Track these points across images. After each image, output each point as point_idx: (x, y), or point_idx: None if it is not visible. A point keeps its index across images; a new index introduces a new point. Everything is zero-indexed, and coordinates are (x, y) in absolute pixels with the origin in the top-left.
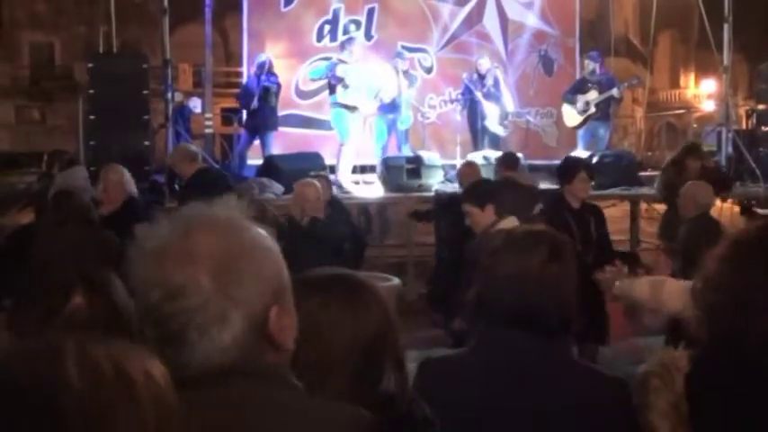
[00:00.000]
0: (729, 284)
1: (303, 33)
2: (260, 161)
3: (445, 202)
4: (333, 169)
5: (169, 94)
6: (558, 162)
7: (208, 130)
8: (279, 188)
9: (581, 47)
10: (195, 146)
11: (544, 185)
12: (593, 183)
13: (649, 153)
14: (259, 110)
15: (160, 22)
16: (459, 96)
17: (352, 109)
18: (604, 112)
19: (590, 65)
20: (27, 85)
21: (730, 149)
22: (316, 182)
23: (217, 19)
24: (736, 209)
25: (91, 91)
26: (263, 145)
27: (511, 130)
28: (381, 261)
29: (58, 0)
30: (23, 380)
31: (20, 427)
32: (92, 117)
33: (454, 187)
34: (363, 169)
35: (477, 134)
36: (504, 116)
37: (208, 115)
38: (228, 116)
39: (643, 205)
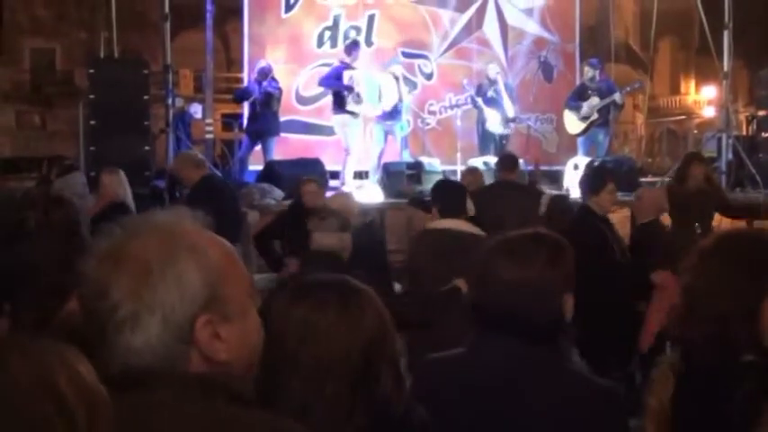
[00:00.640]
0: (695, 291)
1: (303, 39)
2: (261, 167)
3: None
4: (333, 175)
5: (170, 100)
6: (558, 168)
7: (208, 136)
8: (279, 194)
9: (581, 53)
10: (198, 153)
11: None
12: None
13: (650, 159)
14: (261, 115)
15: (161, 27)
16: (469, 99)
17: (354, 115)
18: (605, 118)
19: (590, 71)
20: (28, 91)
21: (730, 156)
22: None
23: (218, 25)
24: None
25: (91, 96)
26: (265, 150)
27: (512, 133)
28: None
29: (60, 5)
30: None
31: None
32: (92, 122)
33: None
34: (361, 175)
35: (483, 139)
36: (505, 121)
37: (208, 121)
38: (229, 122)
39: None
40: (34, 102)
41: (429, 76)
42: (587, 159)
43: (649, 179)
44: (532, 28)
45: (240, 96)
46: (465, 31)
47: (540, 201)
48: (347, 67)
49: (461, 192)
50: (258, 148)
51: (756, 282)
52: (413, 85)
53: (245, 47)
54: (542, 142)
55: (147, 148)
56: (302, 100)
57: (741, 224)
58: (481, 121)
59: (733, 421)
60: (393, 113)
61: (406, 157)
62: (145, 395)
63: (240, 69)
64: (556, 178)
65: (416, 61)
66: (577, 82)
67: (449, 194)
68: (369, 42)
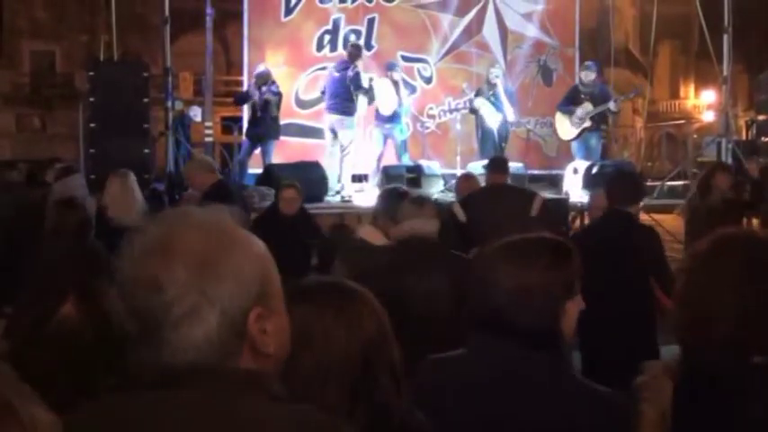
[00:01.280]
0: (691, 297)
1: (303, 43)
2: (260, 170)
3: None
4: (338, 178)
5: (169, 103)
6: (558, 172)
7: (208, 139)
8: None
9: (581, 57)
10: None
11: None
12: None
13: (649, 163)
14: (260, 120)
15: (161, 30)
16: (467, 103)
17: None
18: (598, 124)
19: (587, 75)
20: (28, 93)
21: (730, 160)
22: None
23: (217, 28)
24: None
25: (91, 99)
26: (264, 154)
27: (511, 136)
28: None
29: (60, 8)
30: None
31: None
32: (92, 125)
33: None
34: (360, 178)
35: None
36: (504, 125)
37: (208, 124)
38: (229, 125)
39: (643, 215)
40: (34, 104)
41: (428, 80)
42: (587, 163)
43: (649, 183)
44: (532, 32)
45: (239, 100)
46: (464, 35)
47: (532, 203)
48: (355, 68)
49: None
50: (258, 151)
51: (757, 281)
52: (412, 89)
53: (245, 50)
54: (542, 146)
55: (146, 150)
56: (302, 103)
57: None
58: (480, 125)
59: (757, 425)
60: (392, 117)
61: (406, 160)
62: (187, 392)
63: (240, 73)
64: (555, 182)
65: (416, 65)
66: None
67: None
68: (368, 46)
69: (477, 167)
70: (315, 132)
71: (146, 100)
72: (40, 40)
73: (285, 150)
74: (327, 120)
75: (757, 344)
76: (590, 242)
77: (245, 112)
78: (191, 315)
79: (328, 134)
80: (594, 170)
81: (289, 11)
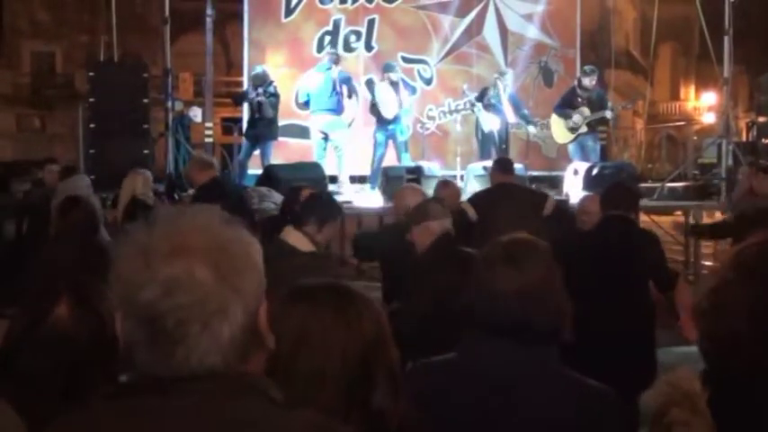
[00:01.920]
0: (736, 305)
1: (303, 43)
2: (260, 171)
3: None
4: (331, 179)
5: (169, 104)
6: (558, 173)
7: (208, 140)
8: (278, 197)
9: (582, 58)
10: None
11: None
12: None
13: (650, 165)
14: (257, 120)
15: (161, 31)
16: (468, 104)
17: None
18: (594, 128)
19: (590, 80)
20: (28, 94)
21: (731, 162)
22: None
23: (218, 29)
24: None
25: (91, 99)
26: (263, 155)
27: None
28: (380, 272)
29: (60, 9)
30: None
31: None
32: (92, 125)
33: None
34: (363, 179)
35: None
36: (504, 127)
37: (208, 124)
38: (229, 126)
39: (643, 217)
40: (34, 105)
41: (428, 81)
42: (587, 165)
43: (649, 184)
44: (532, 33)
45: (237, 100)
46: (465, 36)
47: (545, 203)
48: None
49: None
50: (257, 152)
51: None
52: (412, 89)
53: (245, 51)
54: (542, 147)
55: (146, 151)
56: (301, 104)
57: None
58: (480, 127)
59: None
60: (394, 118)
61: (406, 161)
62: (202, 399)
63: (240, 73)
64: (556, 183)
65: (416, 66)
66: None
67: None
68: (369, 47)
69: (478, 169)
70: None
71: (145, 100)
72: (40, 40)
73: (285, 151)
74: (316, 122)
75: None
76: (590, 245)
77: (245, 112)
78: (220, 313)
79: (318, 136)
80: (595, 172)
81: (289, 11)
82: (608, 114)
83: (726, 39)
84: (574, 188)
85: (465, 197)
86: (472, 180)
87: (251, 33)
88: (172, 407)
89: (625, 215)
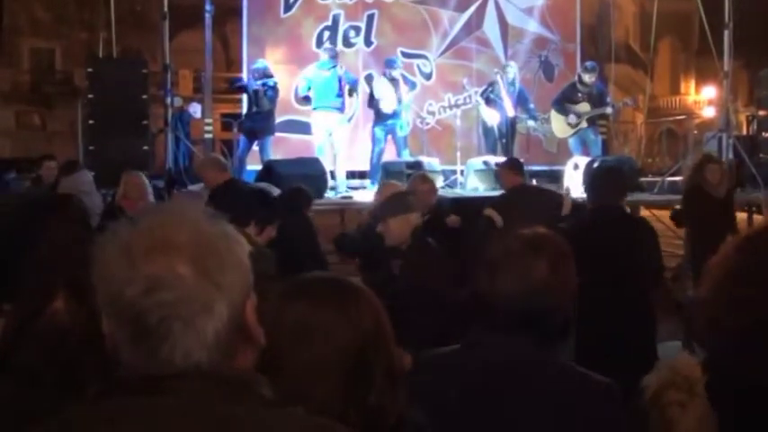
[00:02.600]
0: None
1: (303, 39)
2: (259, 166)
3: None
4: (332, 175)
5: (168, 100)
6: (559, 168)
7: (207, 136)
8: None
9: (582, 52)
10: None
11: None
12: None
13: (650, 159)
14: (256, 114)
15: (160, 27)
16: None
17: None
18: (593, 123)
19: (590, 77)
20: (27, 91)
21: (731, 155)
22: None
23: (217, 25)
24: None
25: (91, 96)
26: (261, 150)
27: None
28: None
29: (59, 6)
30: None
31: None
32: (91, 122)
33: (455, 192)
34: (356, 175)
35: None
36: (504, 121)
37: (207, 120)
38: (228, 121)
39: (643, 211)
40: (34, 102)
41: (428, 76)
42: (587, 159)
43: (649, 179)
44: (533, 27)
45: (236, 84)
46: (464, 31)
47: (561, 202)
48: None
49: None
50: (256, 147)
51: None
52: (412, 85)
53: (245, 47)
54: (543, 142)
55: (145, 147)
56: (301, 100)
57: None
58: (482, 121)
59: None
60: (393, 113)
61: (406, 156)
62: (183, 397)
63: (239, 69)
64: (556, 178)
65: (416, 61)
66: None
67: None
68: (368, 42)
69: (478, 163)
70: None
71: (145, 97)
72: (39, 37)
73: (285, 146)
74: (322, 119)
75: None
76: (587, 236)
77: (244, 107)
78: (203, 310)
79: (322, 133)
80: (595, 165)
81: (288, 7)
82: (608, 110)
83: (726, 32)
84: (574, 183)
85: (464, 192)
86: (472, 175)
87: (250, 29)
88: (158, 406)
89: (617, 205)
